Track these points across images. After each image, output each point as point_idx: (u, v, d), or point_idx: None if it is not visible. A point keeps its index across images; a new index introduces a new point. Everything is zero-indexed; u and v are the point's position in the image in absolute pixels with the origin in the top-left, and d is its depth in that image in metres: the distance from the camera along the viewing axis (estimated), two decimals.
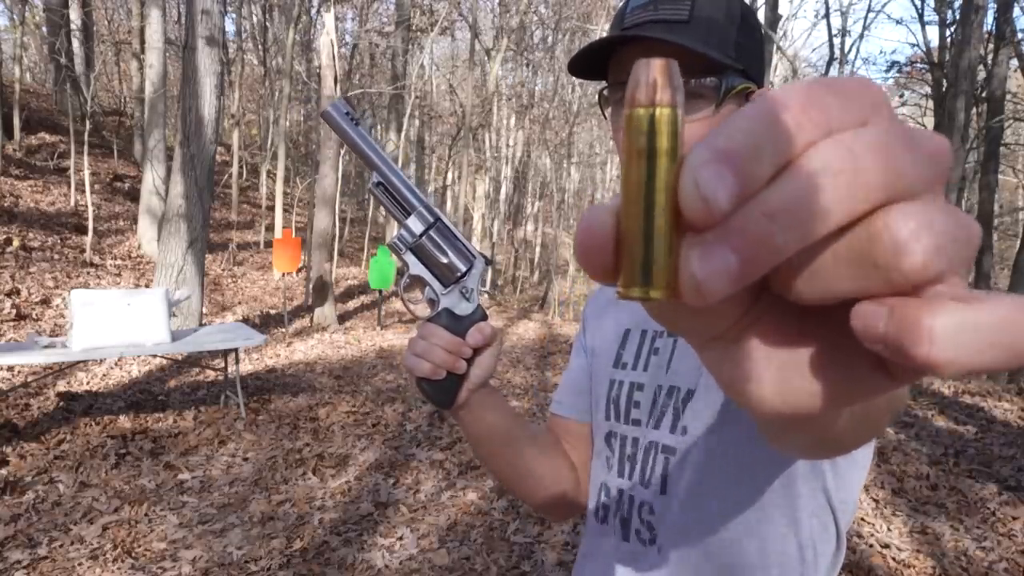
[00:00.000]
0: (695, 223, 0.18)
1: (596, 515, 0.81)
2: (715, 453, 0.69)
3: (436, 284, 0.70)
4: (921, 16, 12.83)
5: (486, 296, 15.57)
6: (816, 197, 0.17)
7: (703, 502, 0.70)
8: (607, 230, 0.20)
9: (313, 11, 16.05)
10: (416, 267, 0.70)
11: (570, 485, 0.85)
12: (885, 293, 0.18)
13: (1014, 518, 3.30)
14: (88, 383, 5.25)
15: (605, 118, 0.73)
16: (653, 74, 0.20)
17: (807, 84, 0.18)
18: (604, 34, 0.74)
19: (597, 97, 0.71)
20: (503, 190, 24.59)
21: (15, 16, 11.89)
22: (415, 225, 0.69)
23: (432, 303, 0.71)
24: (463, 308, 0.71)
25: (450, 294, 0.70)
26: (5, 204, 9.21)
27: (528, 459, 0.80)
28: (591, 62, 0.69)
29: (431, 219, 0.69)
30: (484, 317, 0.72)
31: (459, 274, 0.70)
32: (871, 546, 3.01)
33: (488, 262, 0.72)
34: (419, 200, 0.69)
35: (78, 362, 5.45)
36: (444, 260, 0.70)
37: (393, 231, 15.94)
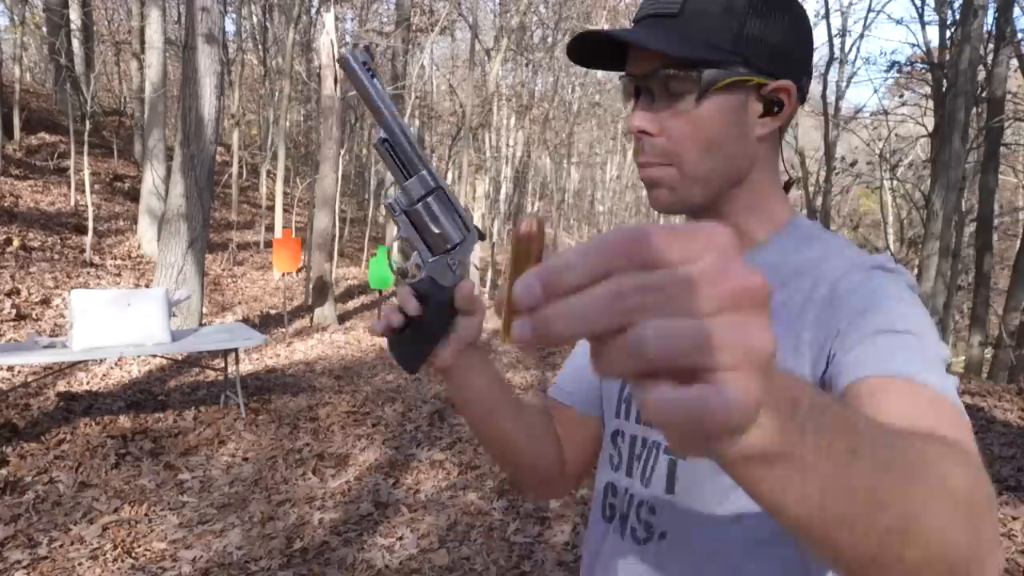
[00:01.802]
0: (519, 308, 0.29)
1: (603, 514, 0.81)
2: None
3: (424, 250, 0.70)
4: (921, 16, 12.82)
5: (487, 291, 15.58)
6: (587, 309, 0.27)
7: (709, 505, 0.69)
8: (499, 301, 0.30)
9: (313, 11, 16.04)
10: (407, 230, 0.69)
11: (551, 463, 0.85)
12: (667, 375, 0.27)
13: (1014, 518, 3.30)
14: (88, 383, 5.24)
15: (625, 108, 0.76)
16: (531, 228, 0.44)
17: (626, 235, 0.27)
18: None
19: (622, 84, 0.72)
20: (503, 190, 24.56)
21: (15, 16, 11.89)
22: (415, 189, 0.68)
23: (418, 268, 0.71)
24: (447, 279, 0.70)
25: (437, 263, 0.70)
26: (5, 204, 9.20)
27: (512, 429, 0.80)
28: (605, 51, 0.70)
29: (432, 185, 0.68)
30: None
31: (450, 245, 0.69)
32: None
33: (482, 236, 0.72)
34: (423, 164, 0.68)
35: (78, 362, 5.44)
36: (437, 229, 0.69)
37: (394, 230, 15.98)
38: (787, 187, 0.74)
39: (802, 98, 0.68)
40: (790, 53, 0.66)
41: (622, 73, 0.71)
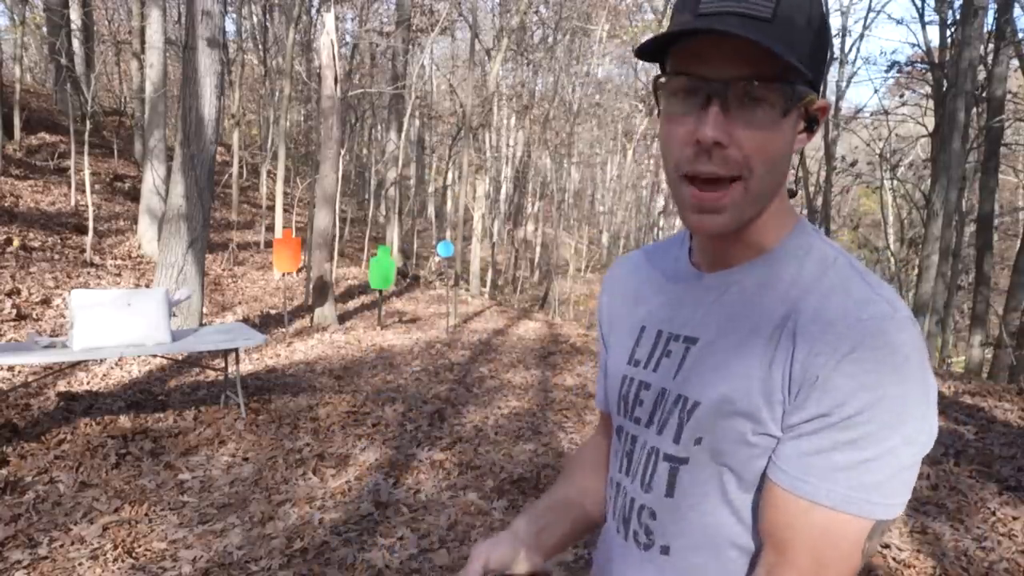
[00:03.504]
0: None
1: (611, 508, 0.83)
2: (726, 471, 0.68)
3: None
4: (921, 16, 12.82)
5: (486, 297, 15.58)
6: None
7: (708, 514, 0.69)
8: None
9: (313, 11, 16.04)
10: None
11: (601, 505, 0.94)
12: None
13: (1014, 518, 3.30)
14: (88, 383, 5.25)
15: (658, 107, 0.67)
16: None
17: None
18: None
19: (652, 85, 0.67)
20: (503, 190, 24.56)
21: (15, 16, 11.89)
22: None
23: None
24: None
25: None
26: (5, 204, 9.21)
27: (568, 532, 0.90)
28: (653, 46, 0.65)
29: None
30: None
31: None
32: None
33: None
34: None
35: (78, 362, 5.45)
36: None
37: (394, 230, 15.82)
38: (790, 196, 0.74)
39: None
40: (826, 64, 0.65)
41: (673, 74, 0.65)
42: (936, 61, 12.25)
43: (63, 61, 12.28)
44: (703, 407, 0.68)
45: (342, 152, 10.11)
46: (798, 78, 0.61)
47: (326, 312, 8.49)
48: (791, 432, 0.63)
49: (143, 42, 11.47)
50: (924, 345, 0.62)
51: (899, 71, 14.05)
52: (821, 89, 0.67)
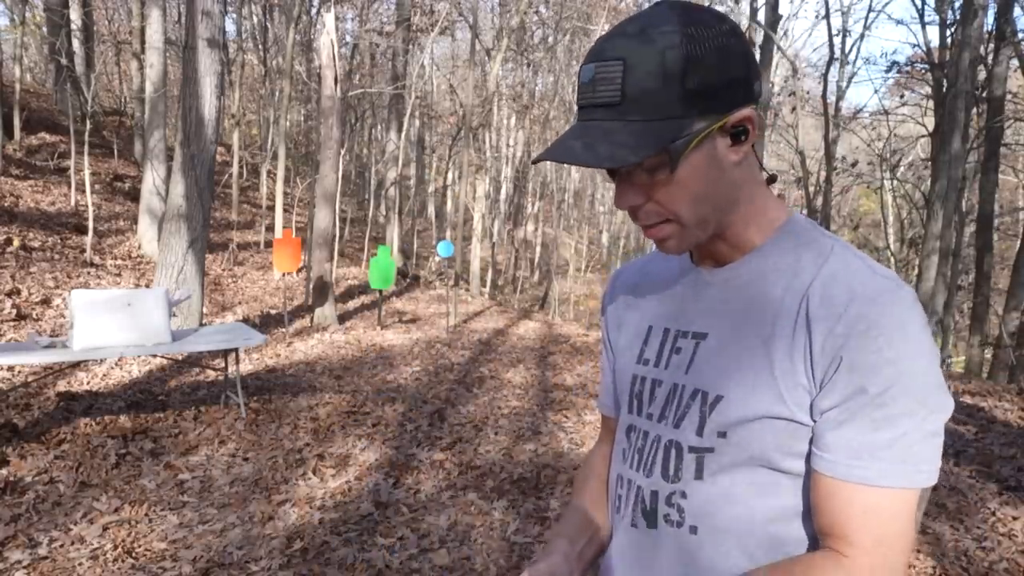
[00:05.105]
0: None
1: (615, 505, 0.84)
2: (754, 462, 0.70)
3: None
4: (921, 16, 12.81)
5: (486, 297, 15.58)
6: None
7: (741, 501, 0.71)
8: None
9: (313, 11, 16.05)
10: None
11: None
12: None
13: (1014, 518, 3.30)
14: (88, 383, 5.25)
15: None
16: None
17: None
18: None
19: None
20: (503, 190, 24.56)
21: (15, 16, 11.90)
22: None
23: None
24: None
25: None
26: (5, 204, 9.21)
27: (599, 548, 0.89)
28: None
29: None
30: None
31: None
32: None
33: None
34: None
35: (78, 362, 5.45)
36: None
37: (394, 230, 15.85)
38: (770, 181, 0.77)
39: (756, 98, 0.68)
40: (735, 79, 0.66)
41: None
42: (936, 61, 12.25)
43: (63, 61, 12.28)
44: (726, 401, 0.71)
45: (342, 152, 10.11)
46: (676, 136, 0.64)
47: (326, 312, 8.49)
48: (826, 419, 0.66)
49: (143, 42, 11.48)
50: (925, 315, 0.66)
51: (899, 71, 14.05)
52: (761, 90, 0.69)
